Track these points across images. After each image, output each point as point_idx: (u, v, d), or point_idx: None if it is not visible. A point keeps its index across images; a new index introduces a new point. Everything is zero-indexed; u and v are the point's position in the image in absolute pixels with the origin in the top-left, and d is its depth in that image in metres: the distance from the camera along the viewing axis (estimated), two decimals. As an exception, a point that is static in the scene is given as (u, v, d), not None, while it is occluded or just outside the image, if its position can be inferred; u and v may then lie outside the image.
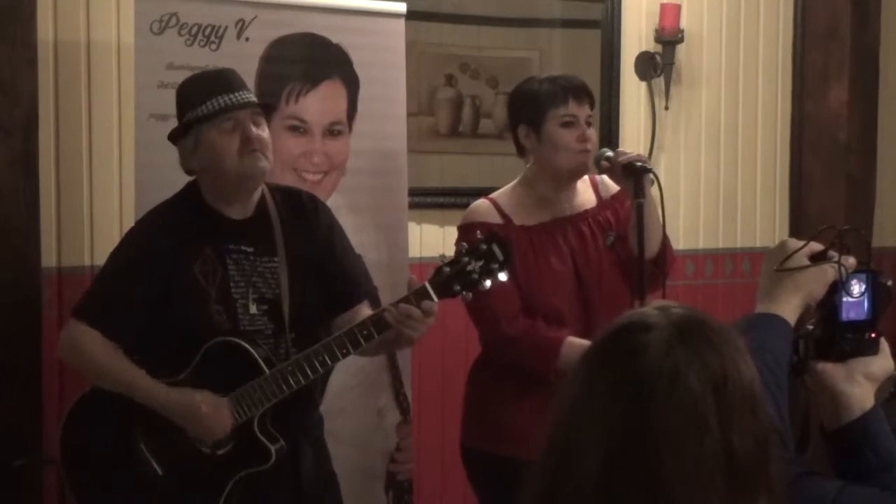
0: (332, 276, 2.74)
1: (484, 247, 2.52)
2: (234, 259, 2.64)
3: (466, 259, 2.51)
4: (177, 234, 2.63)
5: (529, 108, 2.90)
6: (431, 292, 2.52)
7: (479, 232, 2.59)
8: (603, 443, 1.26)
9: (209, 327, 2.60)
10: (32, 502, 3.36)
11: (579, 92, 2.90)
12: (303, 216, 2.74)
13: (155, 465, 2.63)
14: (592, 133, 2.92)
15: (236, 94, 2.60)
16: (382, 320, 2.54)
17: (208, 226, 2.65)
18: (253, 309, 2.63)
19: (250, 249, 2.66)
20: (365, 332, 2.54)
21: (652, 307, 1.34)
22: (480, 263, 2.51)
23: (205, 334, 2.60)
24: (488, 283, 2.52)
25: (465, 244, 2.54)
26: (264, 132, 2.63)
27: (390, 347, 3.02)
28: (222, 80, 2.64)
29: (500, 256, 2.52)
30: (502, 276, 2.54)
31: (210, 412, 2.57)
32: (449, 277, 2.52)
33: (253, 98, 2.66)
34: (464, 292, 2.52)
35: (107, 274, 2.70)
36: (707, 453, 1.24)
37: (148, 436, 2.63)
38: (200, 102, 2.58)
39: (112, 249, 2.78)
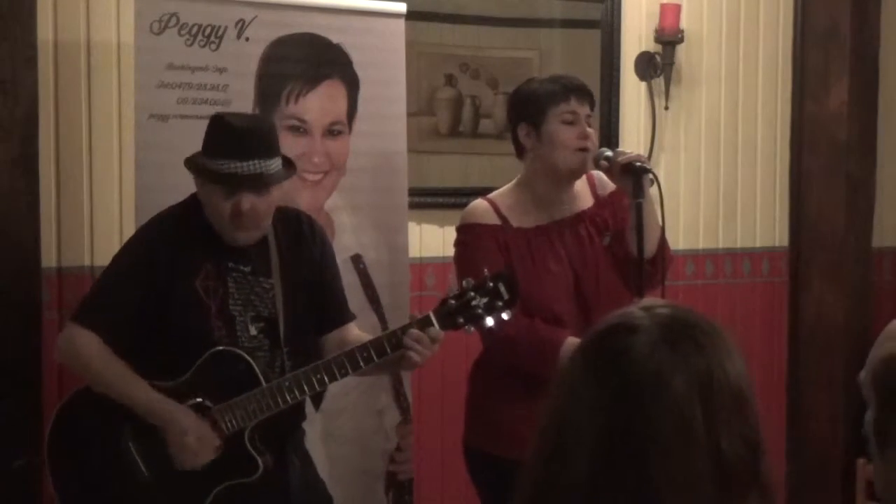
0: (322, 298, 2.80)
1: (490, 284, 2.59)
2: (234, 278, 2.68)
3: (472, 294, 2.58)
4: (179, 246, 2.65)
5: (530, 105, 2.90)
6: (435, 322, 2.58)
7: (486, 269, 2.63)
8: (591, 445, 1.25)
9: (209, 341, 2.63)
10: (32, 502, 3.36)
11: (580, 91, 2.90)
12: (300, 240, 2.78)
13: (141, 466, 2.63)
14: (592, 133, 2.92)
15: (248, 163, 2.53)
16: (382, 345, 2.60)
17: (209, 243, 2.67)
18: (253, 329, 2.67)
19: (247, 269, 2.70)
20: (365, 355, 2.60)
21: (638, 307, 1.33)
22: (485, 300, 2.59)
23: (204, 347, 2.63)
24: (490, 320, 2.60)
25: (471, 279, 2.60)
26: (265, 201, 2.58)
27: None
28: (243, 144, 2.55)
29: (506, 295, 2.59)
30: (505, 315, 2.61)
31: (194, 445, 2.57)
32: (453, 310, 2.59)
33: (267, 165, 2.56)
34: (466, 326, 2.60)
35: (107, 279, 2.71)
36: (694, 455, 1.23)
37: (137, 435, 2.63)
38: (214, 156, 2.56)
39: (113, 252, 2.78)
